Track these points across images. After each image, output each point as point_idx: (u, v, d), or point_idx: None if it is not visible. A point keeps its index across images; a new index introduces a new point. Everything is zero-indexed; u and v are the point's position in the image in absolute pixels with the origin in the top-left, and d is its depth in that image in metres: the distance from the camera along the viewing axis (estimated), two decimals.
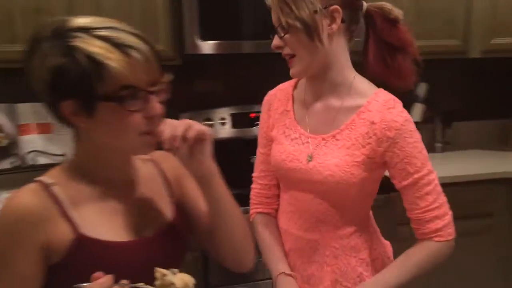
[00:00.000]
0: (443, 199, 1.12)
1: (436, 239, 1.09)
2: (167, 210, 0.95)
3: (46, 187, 0.83)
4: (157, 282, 0.76)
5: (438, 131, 2.66)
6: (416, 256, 1.10)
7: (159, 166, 0.99)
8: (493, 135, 2.78)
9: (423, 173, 1.07)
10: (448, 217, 1.11)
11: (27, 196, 0.81)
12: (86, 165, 0.87)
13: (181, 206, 0.99)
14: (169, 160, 0.97)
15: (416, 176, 1.07)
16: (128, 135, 0.81)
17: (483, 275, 2.21)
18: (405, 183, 1.09)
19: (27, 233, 0.79)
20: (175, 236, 0.93)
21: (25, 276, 0.80)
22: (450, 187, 2.16)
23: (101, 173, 0.88)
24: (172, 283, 0.75)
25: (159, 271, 0.76)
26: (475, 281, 2.19)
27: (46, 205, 0.81)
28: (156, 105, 0.82)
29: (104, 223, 0.85)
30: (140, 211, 0.90)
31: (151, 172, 0.97)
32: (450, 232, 1.11)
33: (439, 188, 1.11)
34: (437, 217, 1.09)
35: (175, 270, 0.78)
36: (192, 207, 1.00)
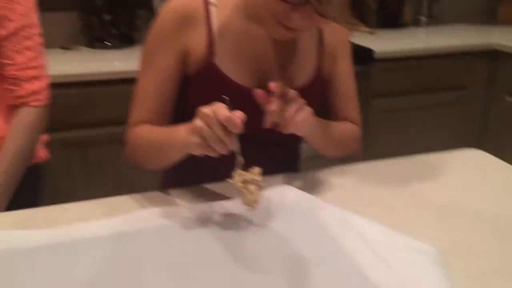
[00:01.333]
0: (44, 62, 1.09)
1: (34, 103, 1.07)
2: (308, 75, 0.98)
3: (207, 3, 0.91)
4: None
5: (424, 3, 2.65)
6: None
7: (322, 34, 1.00)
8: (481, 8, 2.78)
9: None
10: (47, 81, 1.10)
11: (184, 1, 0.91)
12: (251, 7, 0.92)
13: (324, 83, 1.04)
14: (334, 33, 1.00)
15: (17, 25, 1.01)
16: (265, 14, 0.83)
17: (450, 146, 2.37)
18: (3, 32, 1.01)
19: (175, 33, 0.90)
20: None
21: (167, 72, 0.92)
22: (428, 59, 2.27)
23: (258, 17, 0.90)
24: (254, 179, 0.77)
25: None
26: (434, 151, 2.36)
27: (198, 16, 0.90)
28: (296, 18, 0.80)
29: (240, 65, 0.93)
30: (282, 66, 0.96)
31: (309, 38, 1.00)
32: (47, 98, 1.09)
33: (43, 49, 1.09)
34: (36, 78, 1.06)
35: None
36: (333, 90, 1.05)
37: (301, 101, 0.82)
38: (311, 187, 0.93)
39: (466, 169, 1.02)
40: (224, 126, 0.71)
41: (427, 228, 0.80)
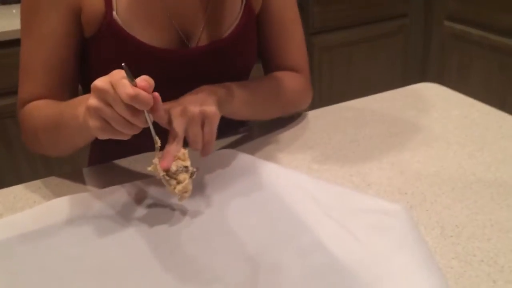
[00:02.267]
0: None
1: None
2: (235, 17, 0.82)
3: None
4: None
5: None
6: None
7: None
8: None
9: None
10: None
11: None
12: None
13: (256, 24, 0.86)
14: None
15: None
16: None
17: (393, 76, 2.32)
18: None
19: None
20: (233, 49, 0.82)
21: (55, 36, 0.74)
22: None
23: None
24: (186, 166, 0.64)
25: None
26: (383, 84, 2.31)
27: None
28: None
29: (148, 20, 0.76)
30: (205, 16, 0.79)
31: None
32: None
33: None
34: None
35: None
36: (267, 30, 0.87)
37: (195, 119, 0.66)
38: (255, 146, 0.82)
39: (426, 106, 0.94)
40: (129, 104, 0.55)
41: (389, 181, 0.71)
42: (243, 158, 0.76)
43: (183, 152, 0.64)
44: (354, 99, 0.97)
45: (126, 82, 0.55)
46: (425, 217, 0.63)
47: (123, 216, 0.65)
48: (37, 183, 0.75)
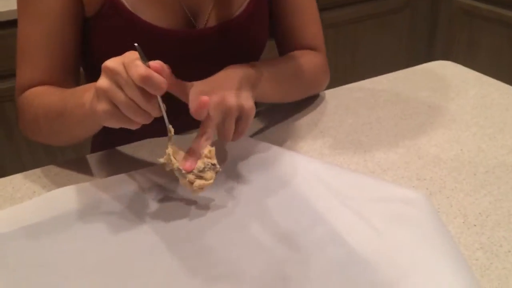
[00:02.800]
0: None
1: None
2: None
3: None
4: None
5: None
6: None
7: None
8: None
9: None
10: None
11: None
12: None
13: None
14: None
15: None
16: None
17: (399, 53, 2.27)
18: None
19: None
20: (241, 31, 0.78)
21: (55, 15, 0.70)
22: None
23: None
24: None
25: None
26: (389, 61, 2.26)
27: None
28: None
29: (151, 1, 0.72)
30: None
31: None
32: None
33: None
34: None
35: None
36: (282, 9, 0.83)
37: (232, 113, 0.62)
38: (265, 131, 0.78)
39: (441, 86, 0.89)
40: (141, 88, 0.51)
41: (407, 166, 0.68)
42: (256, 145, 0.72)
43: (210, 149, 0.60)
44: (364, 79, 0.93)
45: (139, 63, 0.51)
46: (446, 205, 0.60)
47: (129, 208, 0.61)
48: (37, 171, 0.71)
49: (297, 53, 0.83)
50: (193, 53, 0.76)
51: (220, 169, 0.60)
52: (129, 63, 0.51)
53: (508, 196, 0.61)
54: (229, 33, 0.77)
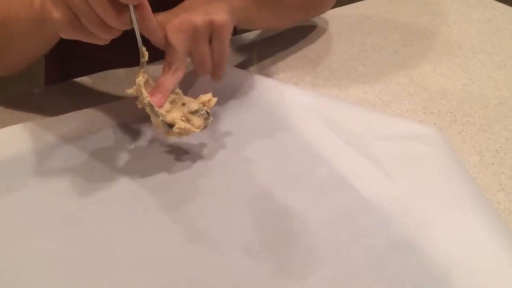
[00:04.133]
0: None
1: None
2: None
3: None
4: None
5: None
6: None
7: None
8: None
9: None
10: None
11: None
12: None
13: None
14: None
15: None
16: None
17: None
18: None
19: None
20: None
21: None
22: None
23: None
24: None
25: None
26: None
27: None
28: None
29: None
30: None
31: None
32: None
33: None
34: None
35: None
36: None
37: (199, 33, 0.49)
38: (247, 63, 0.69)
39: (442, 9, 0.80)
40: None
41: (411, 99, 0.60)
42: (241, 76, 0.62)
43: (211, 99, 0.49)
44: (354, 3, 0.83)
45: None
46: (458, 141, 0.53)
47: (90, 152, 0.52)
48: None
49: None
50: None
51: (212, 121, 0.50)
52: None
53: None
54: None
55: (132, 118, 0.56)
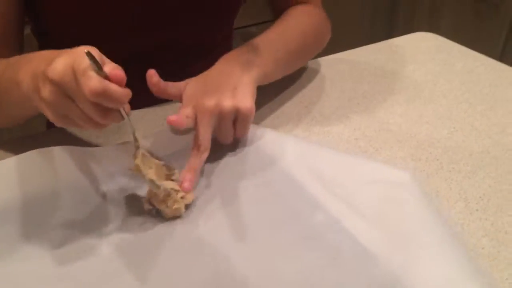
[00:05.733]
0: None
1: None
2: None
3: None
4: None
5: None
6: None
7: None
8: None
9: None
10: None
11: None
12: None
13: None
14: None
15: None
16: None
17: (362, 19, 2.24)
18: None
19: None
20: None
21: None
22: None
23: None
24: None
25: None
26: (352, 27, 2.22)
27: None
28: None
29: None
30: None
31: None
32: None
33: None
34: None
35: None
36: None
37: (226, 118, 0.56)
38: None
39: (426, 58, 0.86)
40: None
41: (400, 146, 0.64)
42: None
43: (174, 172, 0.54)
44: (338, 51, 0.88)
45: (92, 74, 0.41)
46: (445, 188, 0.57)
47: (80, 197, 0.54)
48: None
49: (293, 13, 0.76)
50: (156, 15, 0.69)
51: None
52: (79, 73, 0.41)
53: (507, 178, 0.58)
54: None
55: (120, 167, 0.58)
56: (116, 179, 0.56)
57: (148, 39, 0.69)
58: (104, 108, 0.43)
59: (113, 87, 0.41)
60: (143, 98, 0.56)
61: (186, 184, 0.52)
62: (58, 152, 0.54)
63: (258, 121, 0.67)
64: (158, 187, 0.50)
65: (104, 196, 0.54)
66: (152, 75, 0.55)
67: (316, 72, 0.81)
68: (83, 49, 0.42)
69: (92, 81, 0.40)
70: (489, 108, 0.71)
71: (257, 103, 0.72)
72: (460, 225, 0.52)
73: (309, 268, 0.45)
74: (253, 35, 0.69)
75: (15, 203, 0.51)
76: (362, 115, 0.70)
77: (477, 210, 0.54)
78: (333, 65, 0.83)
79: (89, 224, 0.51)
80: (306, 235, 0.49)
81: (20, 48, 0.67)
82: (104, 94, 0.41)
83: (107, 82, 0.42)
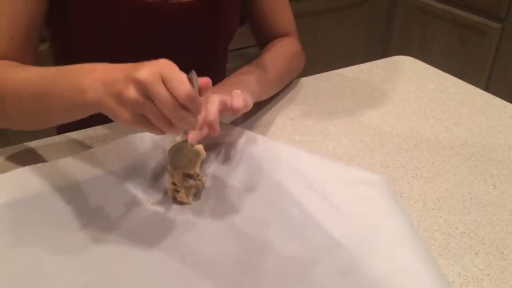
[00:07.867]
0: None
1: None
2: None
3: None
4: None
5: None
6: None
7: None
8: None
9: None
10: None
11: None
12: None
13: None
14: None
15: None
16: None
17: (356, 46, 2.34)
18: None
19: None
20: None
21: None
22: None
23: None
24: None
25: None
26: (347, 54, 2.33)
27: None
28: None
29: None
30: None
31: None
32: None
33: None
34: None
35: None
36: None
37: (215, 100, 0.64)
38: (238, 119, 0.81)
39: (403, 79, 0.95)
40: (177, 104, 0.47)
41: (372, 154, 0.72)
42: (232, 131, 0.74)
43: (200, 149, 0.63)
44: (325, 71, 0.97)
45: (184, 78, 0.46)
46: (407, 190, 0.65)
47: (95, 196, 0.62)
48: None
49: (276, 45, 0.87)
50: (168, 26, 0.77)
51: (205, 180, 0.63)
52: (171, 78, 0.46)
53: (462, 183, 0.66)
54: (204, 8, 0.79)
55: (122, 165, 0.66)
56: (118, 176, 0.64)
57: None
58: (184, 113, 0.47)
59: (197, 95, 0.48)
60: None
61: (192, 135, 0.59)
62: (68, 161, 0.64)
63: (248, 128, 0.75)
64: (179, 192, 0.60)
65: (105, 195, 0.62)
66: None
67: (302, 88, 0.90)
68: (166, 60, 0.48)
69: (186, 85, 0.46)
70: (454, 123, 0.79)
71: (247, 114, 0.81)
72: (417, 221, 0.60)
73: (290, 258, 0.53)
74: (250, 56, 0.80)
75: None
76: (340, 127, 0.78)
77: (433, 209, 0.62)
78: (318, 83, 0.92)
79: (91, 223, 0.58)
80: (289, 229, 0.57)
81: (36, 58, 0.71)
82: (194, 99, 0.47)
83: (194, 89, 0.47)
